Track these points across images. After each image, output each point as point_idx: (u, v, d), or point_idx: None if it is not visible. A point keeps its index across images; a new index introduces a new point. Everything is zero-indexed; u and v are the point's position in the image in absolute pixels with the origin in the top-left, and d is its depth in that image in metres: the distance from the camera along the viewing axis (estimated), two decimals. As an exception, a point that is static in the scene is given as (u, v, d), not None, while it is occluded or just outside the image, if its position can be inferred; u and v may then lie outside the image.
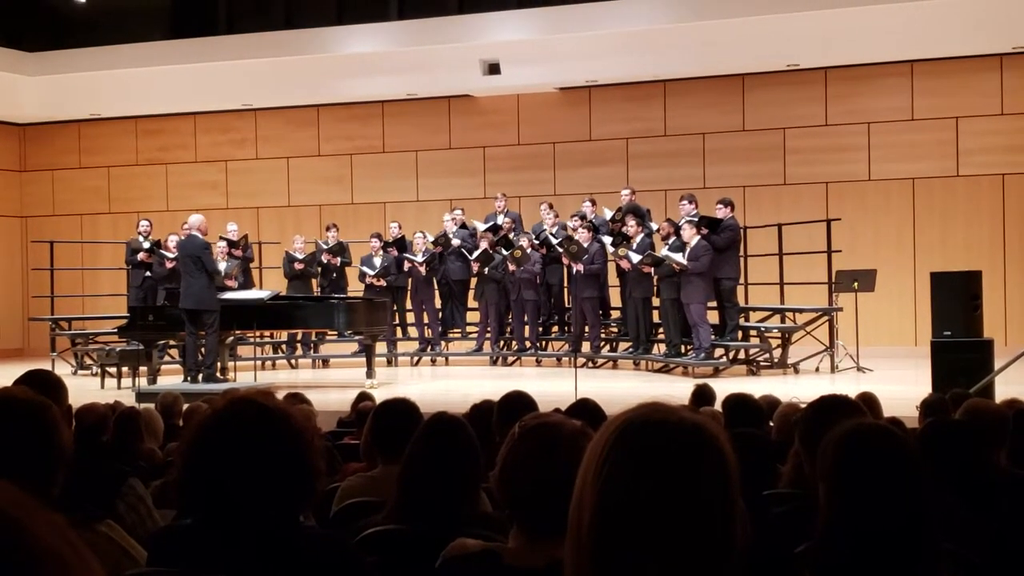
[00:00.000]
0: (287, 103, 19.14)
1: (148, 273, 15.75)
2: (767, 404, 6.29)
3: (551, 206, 15.92)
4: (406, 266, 16.09)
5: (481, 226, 16.01)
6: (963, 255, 15.45)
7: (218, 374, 12.79)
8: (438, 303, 16.34)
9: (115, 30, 18.75)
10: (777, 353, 14.00)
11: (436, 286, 16.21)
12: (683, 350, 14.01)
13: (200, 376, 12.54)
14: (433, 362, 16.35)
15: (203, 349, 12.77)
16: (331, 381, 14.37)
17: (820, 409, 3.51)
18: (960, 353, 10.13)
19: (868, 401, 5.66)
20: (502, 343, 15.95)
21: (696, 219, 13.78)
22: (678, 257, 13.41)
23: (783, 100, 17.00)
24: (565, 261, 14.93)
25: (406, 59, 17.33)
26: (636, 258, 13.92)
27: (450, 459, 3.07)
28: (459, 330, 16.48)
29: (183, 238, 13.38)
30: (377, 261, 16.00)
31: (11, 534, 0.95)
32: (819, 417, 3.36)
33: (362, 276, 16.03)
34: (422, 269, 15.84)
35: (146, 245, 15.92)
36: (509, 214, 16.21)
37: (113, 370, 14.21)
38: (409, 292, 16.28)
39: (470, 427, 3.24)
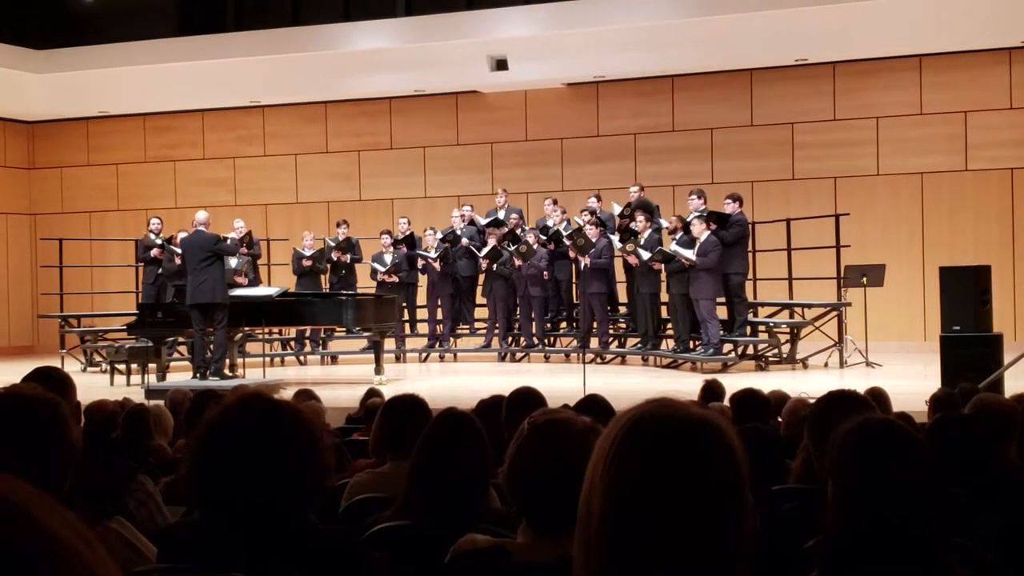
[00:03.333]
0: (295, 100, 19.15)
1: (161, 270, 15.79)
2: (776, 399, 6.29)
3: (555, 201, 15.94)
4: (420, 263, 16.11)
5: (483, 221, 16.04)
6: (972, 250, 15.42)
7: (227, 371, 12.80)
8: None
9: (123, 27, 18.78)
10: (786, 348, 13.98)
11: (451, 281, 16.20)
12: (692, 346, 14.00)
13: (209, 372, 12.55)
14: (441, 358, 16.36)
15: (211, 346, 12.77)
16: (340, 377, 14.40)
17: (829, 404, 3.51)
18: (969, 348, 10.11)
19: (877, 396, 5.66)
20: (510, 339, 15.96)
21: (704, 214, 13.76)
22: (688, 253, 13.40)
23: (791, 95, 16.97)
24: (572, 254, 14.93)
25: (414, 55, 17.33)
26: (646, 255, 13.91)
27: (459, 455, 3.07)
28: (467, 326, 16.50)
29: (189, 234, 13.33)
30: (388, 258, 16.02)
31: (30, 532, 0.94)
32: (828, 412, 3.36)
33: (374, 273, 16.04)
34: (437, 265, 15.85)
35: (158, 242, 15.95)
36: (511, 210, 16.22)
37: (122, 367, 14.23)
38: (425, 288, 16.29)
39: (479, 423, 3.24)
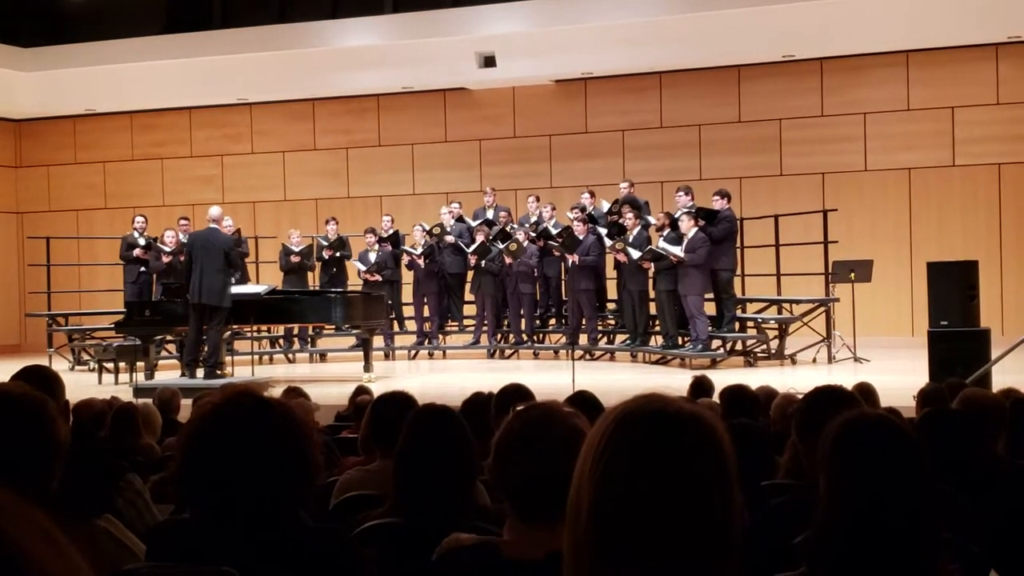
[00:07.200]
0: (282, 97, 19.11)
1: (143, 268, 15.72)
2: (764, 395, 6.30)
3: (538, 199, 15.99)
4: (405, 260, 16.09)
5: (472, 222, 16.02)
6: (960, 245, 15.46)
7: (216, 369, 12.77)
8: (438, 296, 16.35)
9: (110, 25, 18.73)
10: (774, 344, 14.01)
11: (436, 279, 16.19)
12: (680, 342, 14.01)
13: (201, 372, 12.51)
14: (431, 356, 16.34)
15: (204, 345, 12.73)
16: (329, 375, 14.37)
17: (817, 400, 3.52)
18: (957, 343, 10.13)
19: (865, 391, 5.66)
20: (499, 336, 15.95)
21: (693, 210, 13.78)
22: (676, 250, 13.41)
23: (779, 91, 16.99)
24: (555, 253, 14.95)
25: (401, 52, 17.32)
26: (636, 254, 13.91)
27: (439, 450, 3.05)
28: (456, 323, 16.48)
29: (202, 230, 13.14)
30: (372, 256, 16.00)
31: None
32: (816, 408, 3.37)
33: (358, 271, 16.03)
34: (422, 262, 15.83)
35: (141, 241, 15.89)
36: (499, 208, 16.22)
37: (110, 365, 14.18)
38: (412, 286, 16.27)
39: (459, 416, 3.23)
